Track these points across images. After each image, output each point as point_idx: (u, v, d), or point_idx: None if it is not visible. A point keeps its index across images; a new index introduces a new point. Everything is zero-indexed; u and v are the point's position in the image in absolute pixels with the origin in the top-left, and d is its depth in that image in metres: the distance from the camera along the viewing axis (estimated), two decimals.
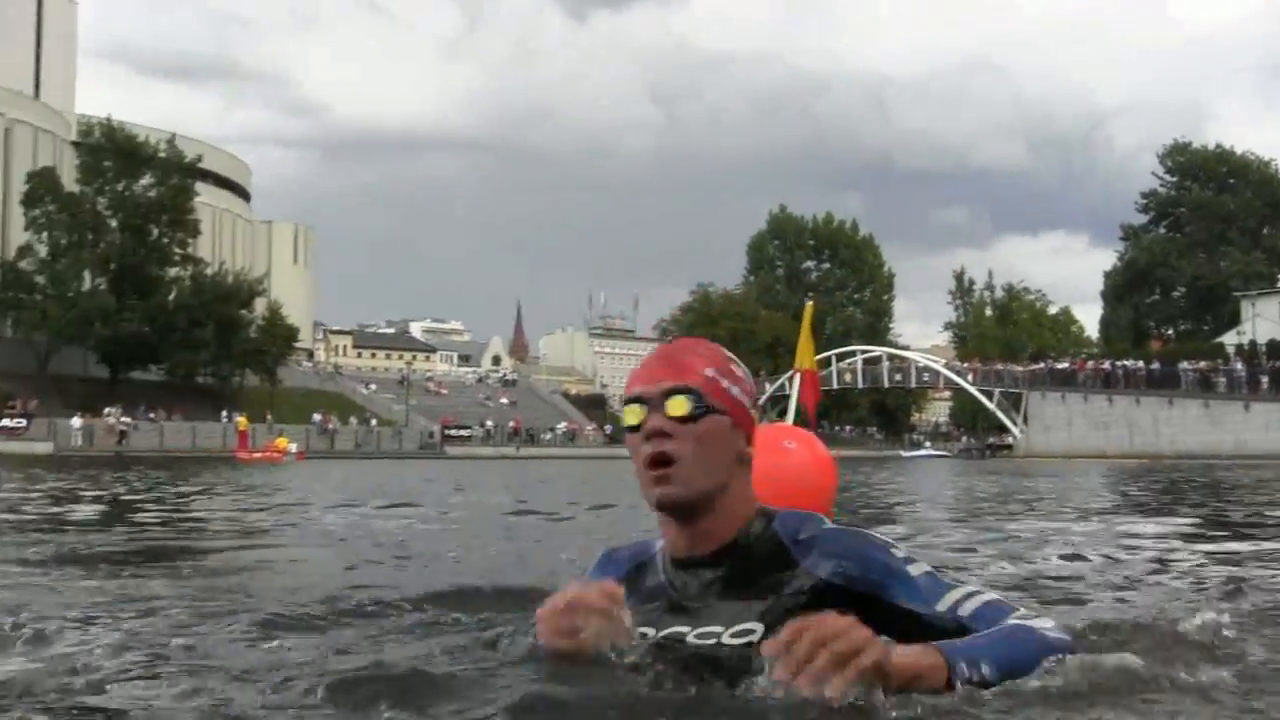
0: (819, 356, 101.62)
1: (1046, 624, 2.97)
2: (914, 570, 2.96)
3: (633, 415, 3.03)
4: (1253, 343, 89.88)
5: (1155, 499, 17.38)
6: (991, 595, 3.04)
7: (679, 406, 2.96)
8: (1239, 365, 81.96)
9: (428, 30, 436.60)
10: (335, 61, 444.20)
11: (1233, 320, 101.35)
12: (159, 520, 11.90)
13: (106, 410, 78.00)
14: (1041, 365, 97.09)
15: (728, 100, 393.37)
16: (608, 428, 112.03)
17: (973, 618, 2.89)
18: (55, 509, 13.40)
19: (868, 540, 3.03)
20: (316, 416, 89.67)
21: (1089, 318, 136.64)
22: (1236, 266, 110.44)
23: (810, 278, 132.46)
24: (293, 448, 66.61)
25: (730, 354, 3.19)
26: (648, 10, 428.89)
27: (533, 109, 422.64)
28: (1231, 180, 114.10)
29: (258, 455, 63.07)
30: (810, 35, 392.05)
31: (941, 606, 2.90)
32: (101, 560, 7.42)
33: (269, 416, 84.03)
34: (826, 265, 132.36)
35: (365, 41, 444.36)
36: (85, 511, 13.00)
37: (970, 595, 2.97)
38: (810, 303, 11.54)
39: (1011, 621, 2.89)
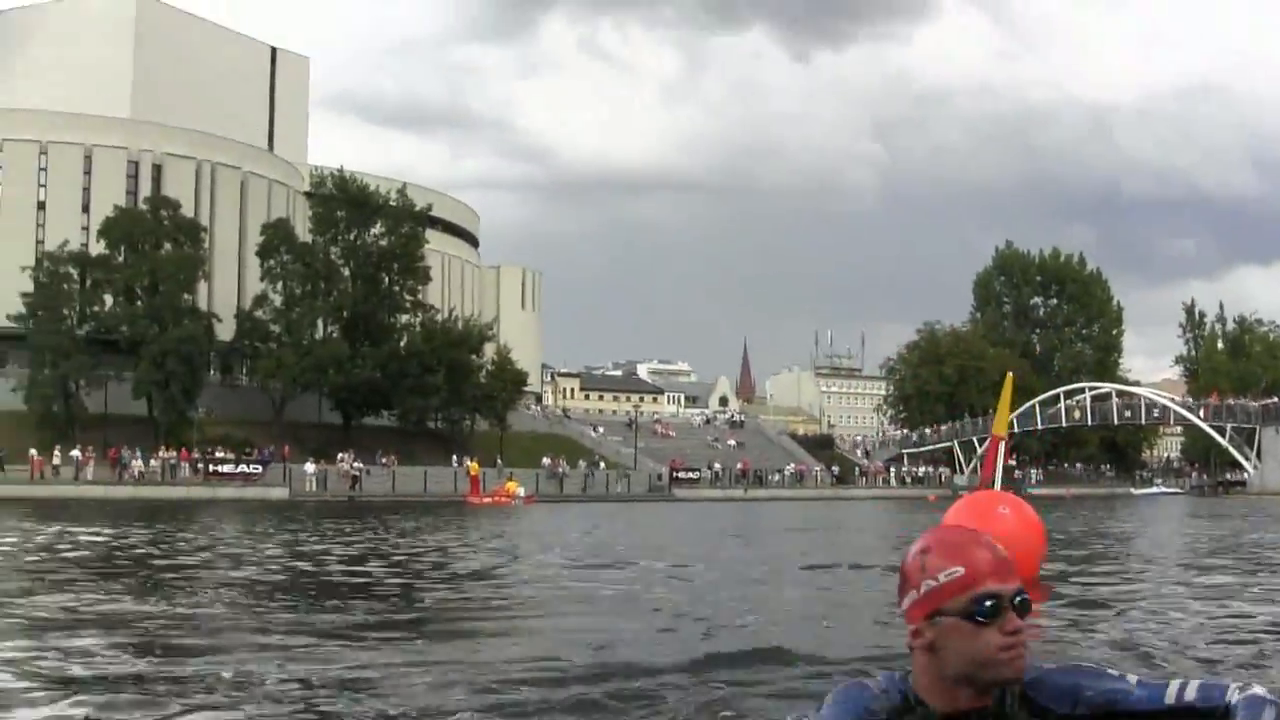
0: (1047, 395, 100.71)
1: (1261, 690, 3.13)
2: (1132, 679, 3.19)
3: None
4: None
5: None
6: (1202, 678, 3.22)
7: (1028, 609, 3.10)
8: None
9: (650, 73, 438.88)
10: (560, 106, 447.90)
11: None
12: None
13: (340, 456, 79.63)
14: (1276, 399, 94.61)
15: (949, 134, 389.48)
16: (834, 469, 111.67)
17: (1199, 698, 3.09)
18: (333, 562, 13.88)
19: (1085, 670, 3.27)
20: (545, 460, 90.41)
21: None
22: None
23: (1038, 314, 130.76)
24: (521, 491, 67.54)
25: None
26: (868, 48, 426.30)
27: (754, 148, 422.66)
28: None
29: (488, 500, 64.06)
30: (1030, 66, 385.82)
31: (1170, 699, 3.11)
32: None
33: (499, 461, 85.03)
34: (1054, 301, 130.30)
35: (589, 86, 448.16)
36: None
37: (1186, 683, 3.14)
38: (1010, 374, 11.67)
39: (1242, 694, 3.08)
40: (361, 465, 78.88)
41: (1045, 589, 9.79)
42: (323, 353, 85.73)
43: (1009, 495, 10.91)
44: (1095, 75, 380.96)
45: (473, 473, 74.66)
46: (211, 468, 74.17)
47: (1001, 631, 3.05)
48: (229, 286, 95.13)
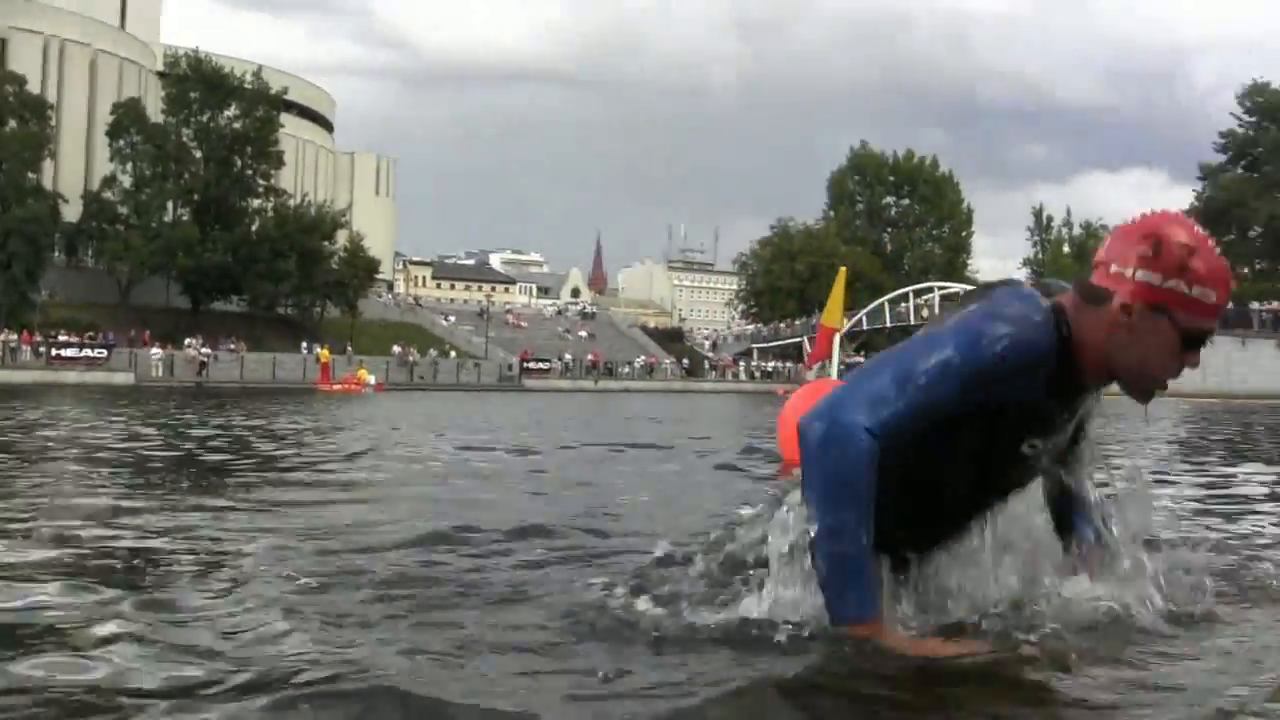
0: (897, 293, 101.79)
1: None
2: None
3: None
4: None
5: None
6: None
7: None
8: None
9: None
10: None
11: None
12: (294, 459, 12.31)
13: (187, 341, 78.91)
14: None
15: (811, 35, 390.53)
16: (685, 362, 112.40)
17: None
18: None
19: None
20: (396, 348, 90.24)
21: None
22: None
23: (890, 213, 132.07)
24: (371, 379, 67.41)
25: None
26: None
27: (617, 42, 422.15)
28: None
29: (338, 387, 63.88)
30: None
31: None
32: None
33: (349, 348, 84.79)
34: (906, 201, 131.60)
35: None
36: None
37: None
38: (844, 268, 11.99)
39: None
40: (210, 351, 78.22)
41: None
42: (172, 236, 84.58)
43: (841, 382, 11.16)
44: None
45: (323, 360, 74.26)
46: (54, 351, 72.70)
47: (1185, 363, 3.38)
48: (77, 168, 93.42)
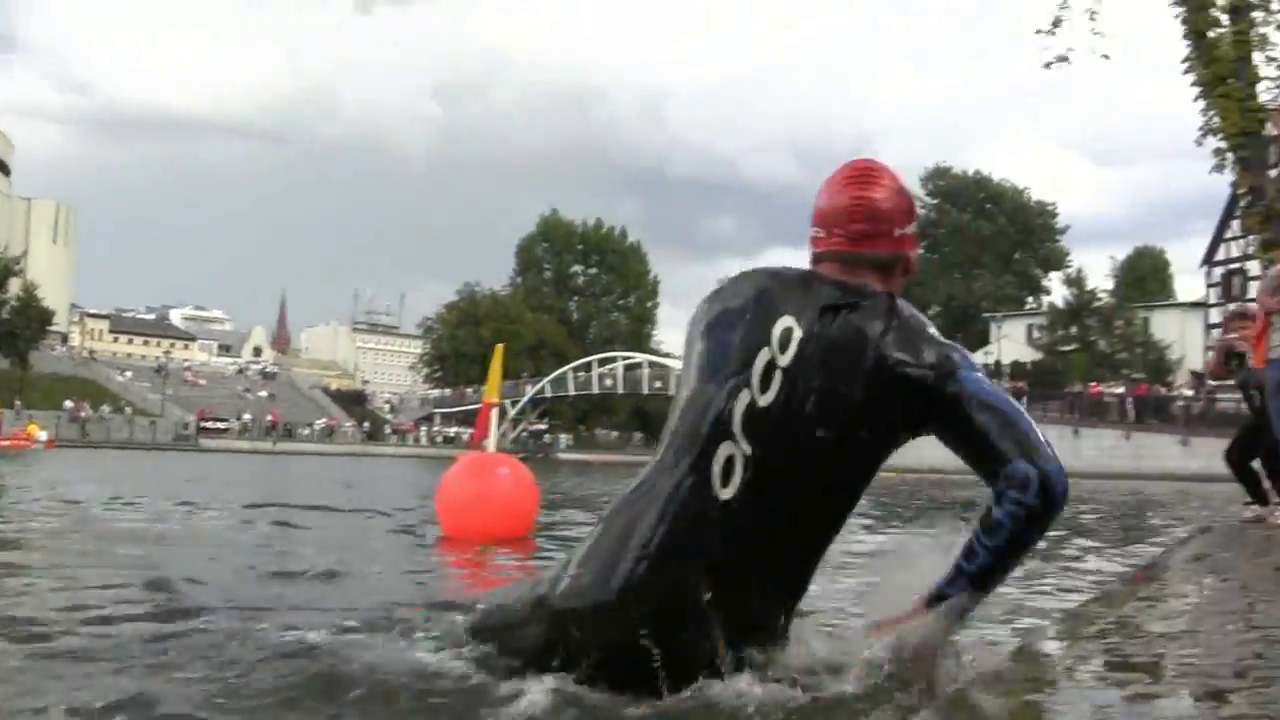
0: (581, 361, 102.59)
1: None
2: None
3: None
4: (998, 362, 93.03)
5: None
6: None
7: None
8: None
9: (209, 13, 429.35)
10: (109, 39, 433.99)
11: (982, 340, 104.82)
12: None
13: None
14: None
15: (507, 100, 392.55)
16: (366, 425, 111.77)
17: None
18: None
19: None
20: (68, 404, 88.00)
21: None
22: (988, 289, 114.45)
23: (577, 282, 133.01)
24: (42, 435, 65.81)
25: None
26: (431, 5, 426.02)
27: (311, 99, 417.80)
28: (987, 206, 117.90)
29: (6, 442, 62.11)
30: (590, 41, 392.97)
31: None
32: None
33: (17, 402, 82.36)
34: (594, 270, 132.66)
35: (145, 20, 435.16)
36: None
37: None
38: (500, 345, 12.66)
39: None
40: None
41: (532, 545, 10.67)
42: None
43: (508, 458, 11.79)
44: (652, 56, 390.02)
45: None
46: None
47: None
48: None
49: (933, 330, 3.58)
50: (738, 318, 3.60)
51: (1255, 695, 2.81)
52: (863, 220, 3.65)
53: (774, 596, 3.52)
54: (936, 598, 3.47)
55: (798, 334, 3.49)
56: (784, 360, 3.48)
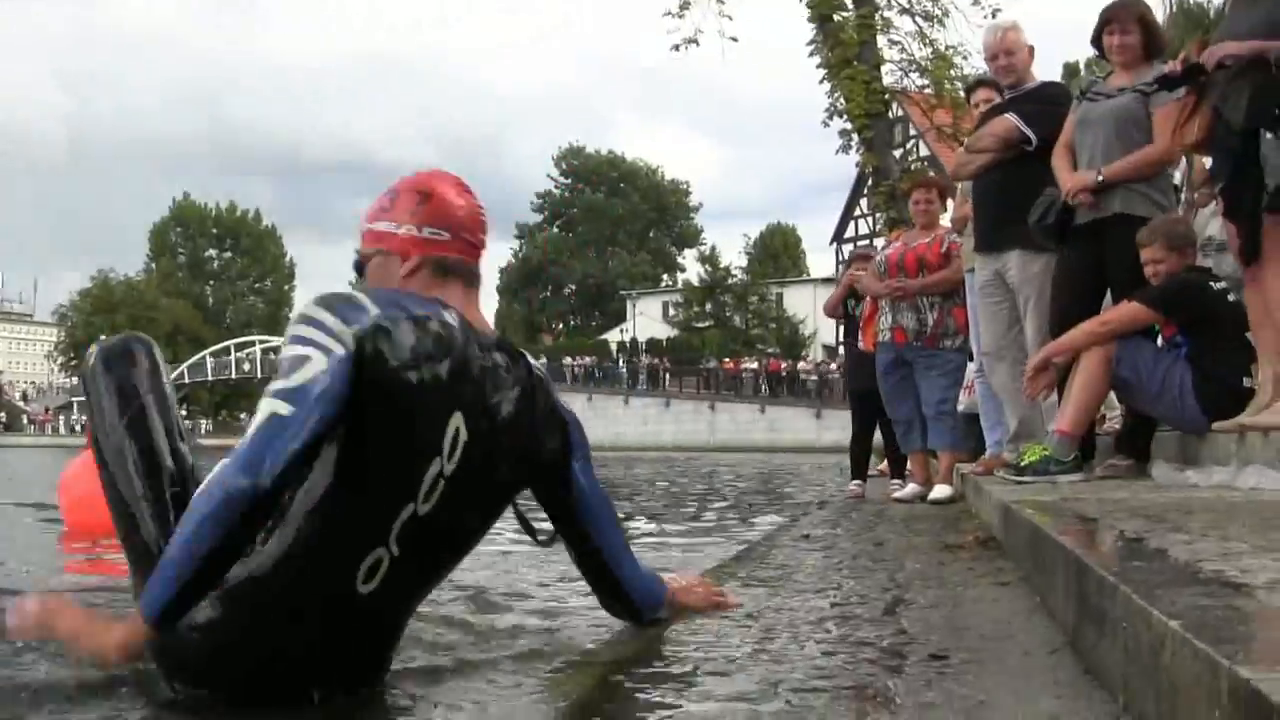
0: (218, 346, 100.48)
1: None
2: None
3: None
4: (634, 339, 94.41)
5: None
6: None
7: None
8: (620, 361, 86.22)
9: None
10: None
11: (619, 317, 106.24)
12: None
13: None
14: None
15: (139, 86, 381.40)
16: (3, 416, 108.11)
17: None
18: None
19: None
20: None
21: (487, 313, 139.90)
22: (624, 267, 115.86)
23: (212, 266, 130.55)
24: None
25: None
26: None
27: None
28: (622, 185, 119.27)
29: None
30: (221, 22, 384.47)
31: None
32: None
33: None
34: (229, 254, 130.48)
35: None
36: None
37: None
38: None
39: None
40: None
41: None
42: None
43: None
44: (280, 37, 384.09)
45: None
46: None
47: None
48: None
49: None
50: (414, 414, 3.17)
51: (815, 670, 2.91)
52: (483, 231, 3.46)
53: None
54: None
55: (464, 435, 3.19)
56: (449, 467, 3.19)
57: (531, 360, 3.46)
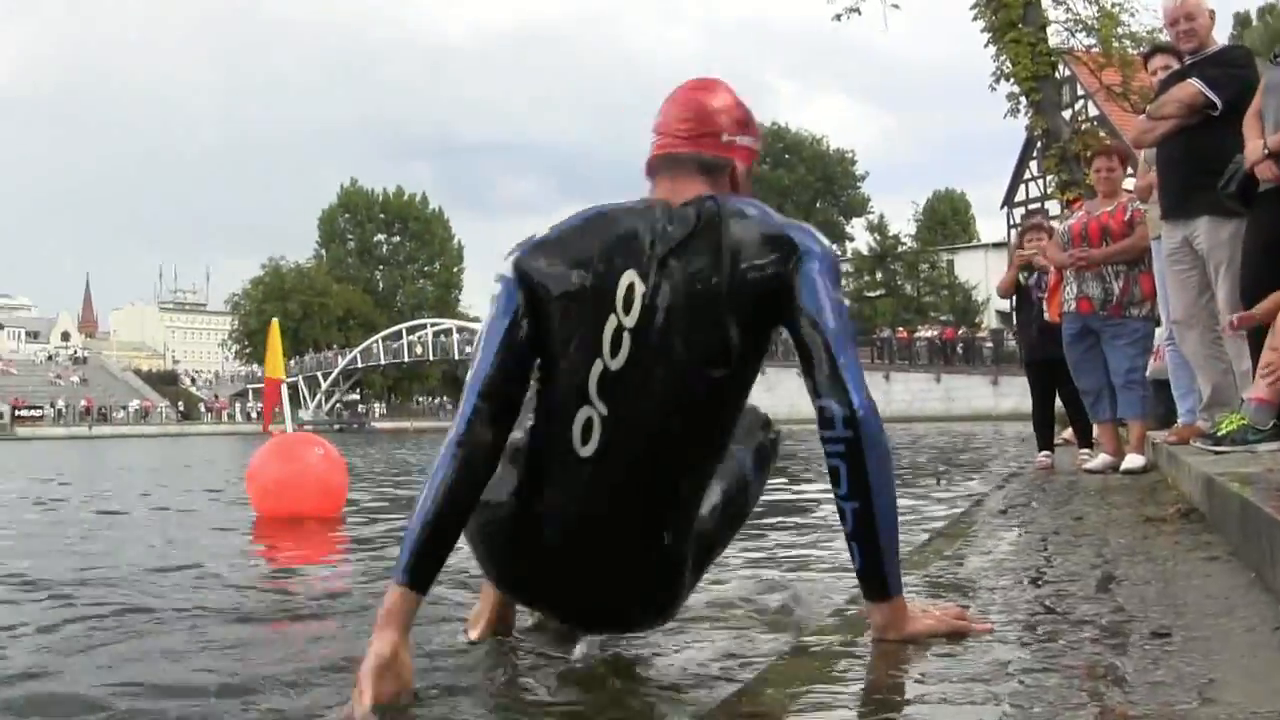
0: (390, 330, 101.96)
1: None
2: None
3: None
4: None
5: None
6: None
7: None
8: None
9: None
10: None
11: None
12: None
13: None
14: None
15: (296, 69, 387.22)
16: (180, 405, 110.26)
17: None
18: None
19: None
20: None
21: None
22: None
23: (381, 251, 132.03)
24: None
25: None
26: None
27: (96, 72, 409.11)
28: (787, 155, 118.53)
29: None
30: (375, 5, 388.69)
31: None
32: None
33: None
34: (397, 239, 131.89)
35: None
36: None
37: None
38: (275, 320, 12.59)
39: None
40: None
41: (342, 522, 10.68)
42: None
43: (319, 438, 11.74)
44: (438, 17, 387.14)
45: None
46: None
47: None
48: None
49: (770, 218, 3.49)
50: (582, 281, 3.50)
51: (1041, 650, 2.95)
52: (690, 119, 3.66)
53: (661, 549, 3.56)
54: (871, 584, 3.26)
55: (640, 288, 3.44)
56: (629, 321, 3.43)
57: (726, 201, 3.53)
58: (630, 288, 3.45)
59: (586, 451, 3.47)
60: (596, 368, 3.45)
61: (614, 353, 3.44)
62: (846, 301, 3.40)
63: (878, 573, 3.22)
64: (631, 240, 3.49)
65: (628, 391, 3.44)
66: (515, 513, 3.58)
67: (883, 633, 3.22)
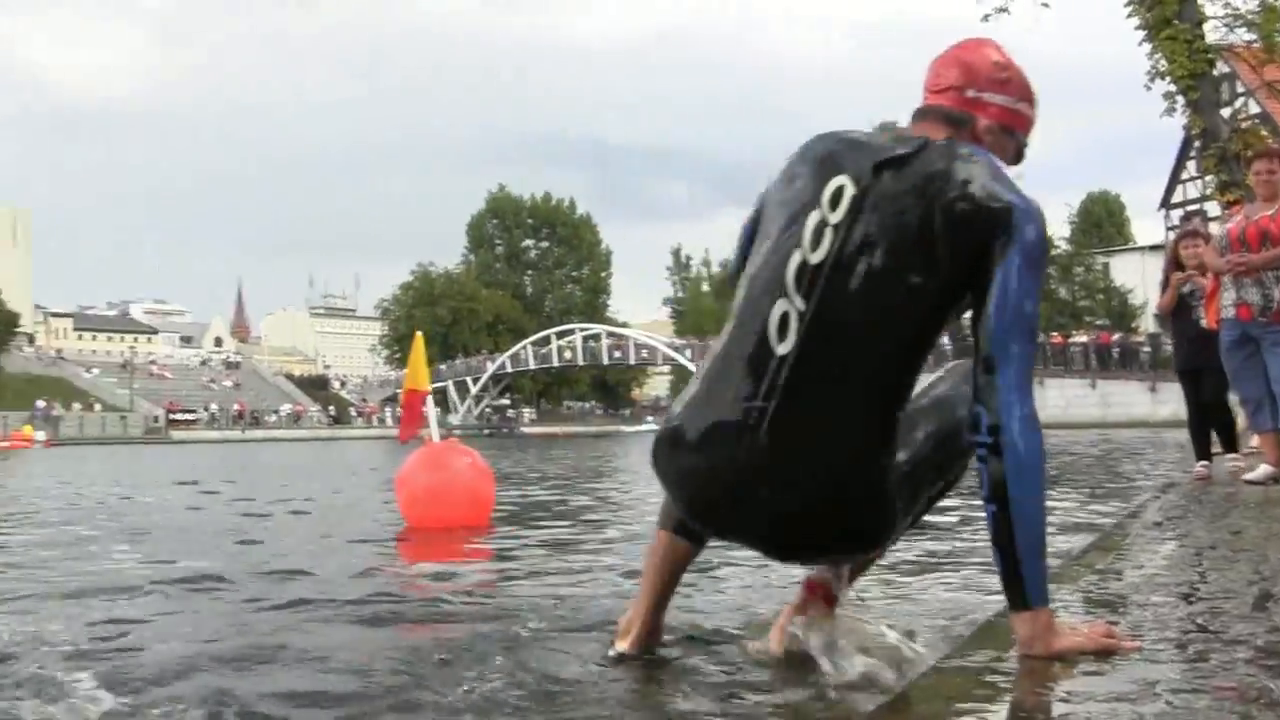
0: (539, 335, 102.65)
1: None
2: None
3: None
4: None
5: None
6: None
7: None
8: (945, 337, 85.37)
9: (146, 8, 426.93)
10: (56, 39, 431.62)
11: None
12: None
13: None
14: None
15: (443, 77, 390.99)
16: (331, 409, 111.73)
17: None
18: None
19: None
20: (40, 403, 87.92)
21: None
22: None
23: (530, 256, 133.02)
24: (40, 435, 65.92)
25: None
26: None
27: (248, 86, 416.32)
28: None
29: (4, 444, 62.27)
30: (520, 11, 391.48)
31: None
32: None
33: None
34: (545, 244, 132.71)
35: (84, 18, 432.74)
36: None
37: None
38: (419, 333, 12.71)
39: None
40: None
41: (491, 530, 10.77)
42: None
43: (466, 448, 11.86)
44: (580, 22, 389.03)
45: None
46: None
47: None
48: None
49: (999, 176, 3.48)
50: (796, 184, 3.67)
51: (1191, 670, 2.88)
52: (939, 74, 3.77)
53: (856, 455, 3.48)
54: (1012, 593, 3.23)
55: (850, 190, 3.50)
56: (834, 218, 3.49)
57: (962, 145, 3.57)
58: (840, 188, 3.53)
59: (783, 349, 3.46)
60: (795, 259, 3.51)
61: (814, 246, 3.49)
62: (1035, 298, 3.37)
63: (1017, 581, 3.20)
64: (852, 149, 3.64)
65: (826, 288, 3.45)
66: (713, 423, 3.54)
67: (1028, 647, 3.17)
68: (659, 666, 4.05)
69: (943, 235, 3.35)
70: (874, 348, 3.44)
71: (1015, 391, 3.27)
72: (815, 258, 3.46)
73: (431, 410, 11.94)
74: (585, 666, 4.00)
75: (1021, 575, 3.19)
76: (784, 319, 3.46)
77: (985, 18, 27.00)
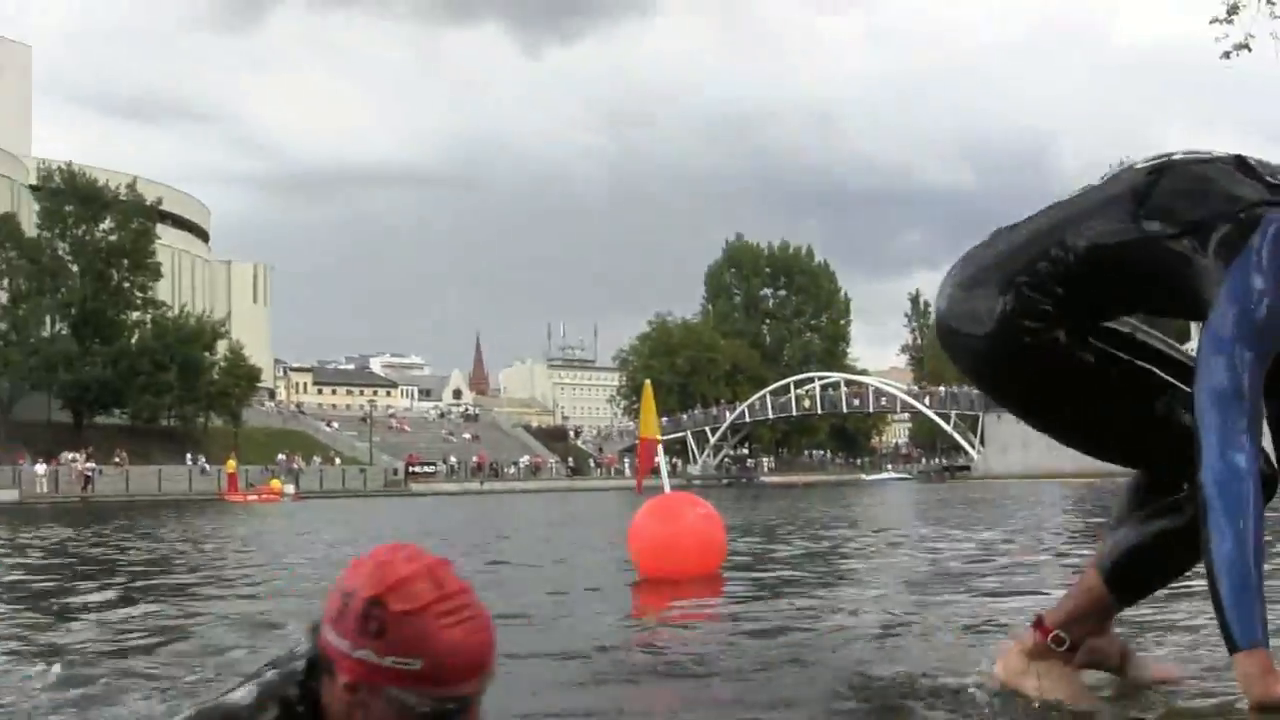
0: (777, 384, 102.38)
1: None
2: None
3: None
4: None
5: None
6: None
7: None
8: None
9: (381, 67, 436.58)
10: (291, 100, 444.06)
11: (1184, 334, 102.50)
12: None
13: (71, 456, 77.88)
14: None
15: (678, 128, 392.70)
16: (570, 460, 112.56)
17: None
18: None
19: None
20: (281, 457, 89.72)
21: None
22: None
23: (768, 305, 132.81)
24: (289, 489, 67.30)
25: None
26: (598, 42, 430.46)
27: (485, 142, 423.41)
28: None
29: (252, 497, 63.74)
30: (756, 62, 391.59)
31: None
32: None
33: (234, 458, 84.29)
34: (783, 292, 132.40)
35: (320, 79, 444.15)
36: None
37: None
38: (648, 381, 12.91)
39: None
40: (94, 465, 77.19)
41: (721, 580, 10.86)
42: (51, 351, 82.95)
43: (697, 498, 11.99)
44: (818, 74, 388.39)
45: (231, 470, 73.75)
46: None
47: None
48: None
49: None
50: None
51: None
52: None
53: None
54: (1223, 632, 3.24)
55: None
56: None
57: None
58: None
59: None
60: None
61: None
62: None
63: (1222, 621, 3.18)
64: None
65: None
66: None
67: (1246, 690, 3.17)
68: None
69: None
70: None
71: (1218, 444, 3.26)
72: None
73: (663, 459, 12.11)
74: None
75: (1225, 616, 3.16)
76: None
77: (1226, 55, 26.50)
